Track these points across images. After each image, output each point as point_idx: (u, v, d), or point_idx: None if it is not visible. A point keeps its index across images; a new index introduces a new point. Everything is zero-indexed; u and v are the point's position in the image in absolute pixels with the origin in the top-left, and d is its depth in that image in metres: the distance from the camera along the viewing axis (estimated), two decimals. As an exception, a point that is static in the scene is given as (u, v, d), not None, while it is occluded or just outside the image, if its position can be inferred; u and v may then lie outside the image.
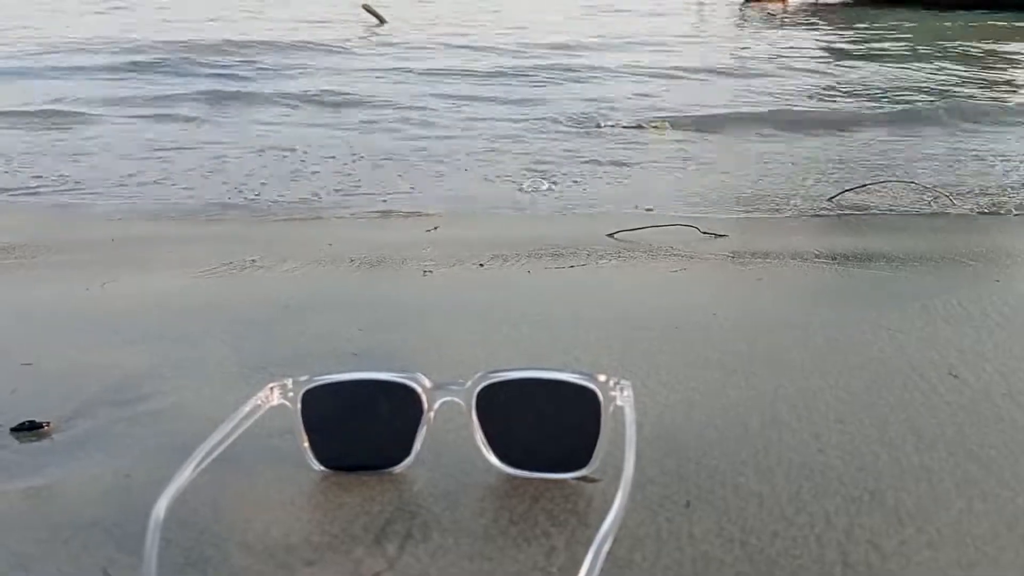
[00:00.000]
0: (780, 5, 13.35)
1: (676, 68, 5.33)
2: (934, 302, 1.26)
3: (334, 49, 6.19)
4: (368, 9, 9.63)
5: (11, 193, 2.51)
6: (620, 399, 0.68)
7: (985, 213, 2.19)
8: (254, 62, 5.47)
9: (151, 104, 4.11)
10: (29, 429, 0.83)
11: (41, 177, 2.70)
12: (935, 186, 2.42)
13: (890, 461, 0.75)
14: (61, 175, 2.73)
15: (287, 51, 6.04)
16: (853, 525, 0.65)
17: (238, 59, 5.54)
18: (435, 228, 1.98)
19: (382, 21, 9.32)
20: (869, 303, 1.30)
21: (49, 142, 3.26)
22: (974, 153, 3.15)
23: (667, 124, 3.51)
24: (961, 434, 0.81)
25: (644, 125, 3.57)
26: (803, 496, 0.69)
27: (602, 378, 0.69)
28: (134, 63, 5.33)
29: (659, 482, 0.71)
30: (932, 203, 2.21)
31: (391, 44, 6.67)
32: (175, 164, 2.91)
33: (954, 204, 2.17)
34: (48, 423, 0.85)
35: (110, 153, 3.09)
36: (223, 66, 5.27)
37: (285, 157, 2.99)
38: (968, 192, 2.45)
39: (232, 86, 4.58)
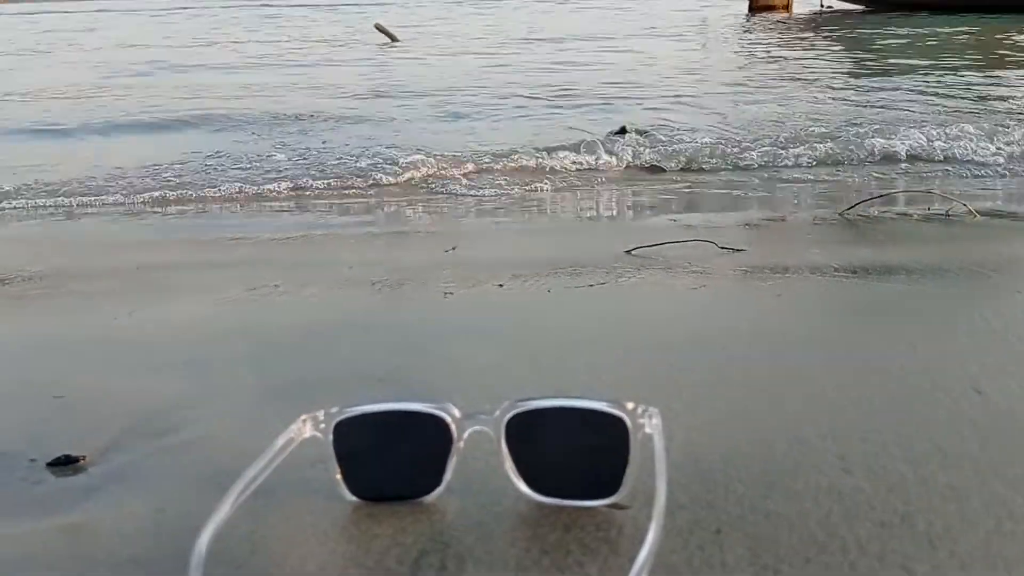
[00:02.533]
0: (785, 14, 13.35)
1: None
2: (955, 316, 1.26)
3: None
4: (380, 29, 9.90)
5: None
6: (648, 427, 0.69)
7: (1004, 222, 2.18)
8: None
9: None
10: (65, 463, 0.85)
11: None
12: (952, 195, 2.42)
13: (917, 481, 0.75)
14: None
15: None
16: (885, 550, 0.65)
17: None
18: (453, 248, 1.99)
19: (394, 40, 9.58)
20: (890, 318, 1.30)
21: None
22: (989, 160, 3.14)
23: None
24: (987, 452, 0.81)
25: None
26: (833, 520, 0.69)
27: (630, 406, 0.69)
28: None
29: (688, 508, 0.71)
30: (950, 212, 2.20)
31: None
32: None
33: (973, 214, 2.16)
34: (84, 456, 0.86)
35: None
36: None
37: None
38: (986, 201, 2.45)
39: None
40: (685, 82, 5.50)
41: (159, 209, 2.71)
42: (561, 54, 7.45)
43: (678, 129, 3.80)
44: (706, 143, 3.44)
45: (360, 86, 5.59)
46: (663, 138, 3.57)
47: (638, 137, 3.54)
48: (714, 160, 3.25)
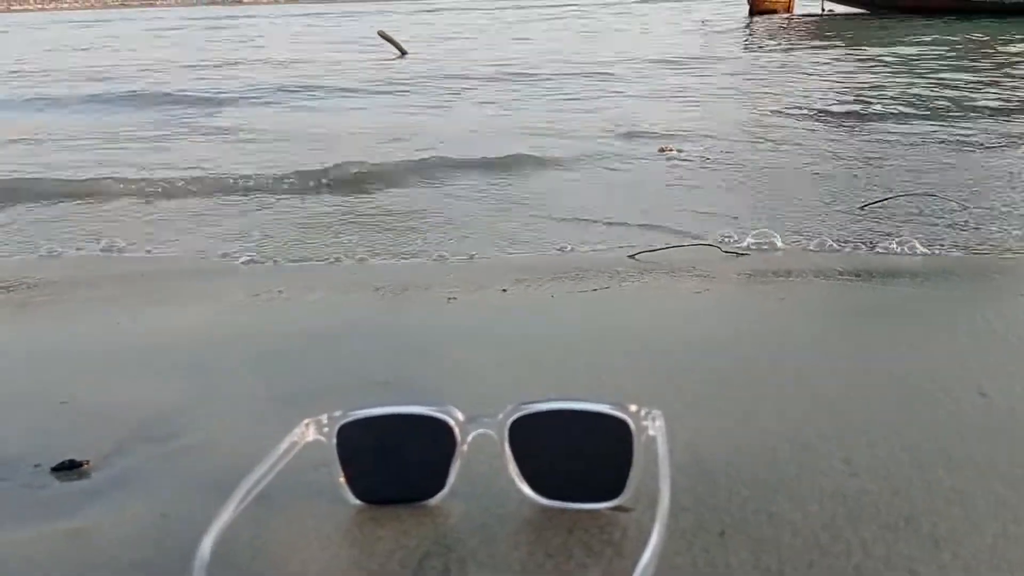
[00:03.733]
0: (786, 16, 13.35)
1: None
2: (959, 318, 1.26)
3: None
4: (385, 37, 9.42)
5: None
6: (652, 429, 0.69)
7: (1007, 224, 2.18)
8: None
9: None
10: (69, 468, 0.85)
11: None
12: (955, 198, 2.42)
13: (922, 485, 0.75)
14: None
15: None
16: (890, 552, 0.65)
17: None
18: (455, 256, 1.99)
19: (403, 52, 9.03)
20: (894, 321, 1.29)
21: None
22: (994, 164, 3.13)
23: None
24: (991, 455, 0.81)
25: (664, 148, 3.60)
26: (838, 523, 0.69)
27: (633, 408, 0.69)
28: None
29: (692, 511, 0.71)
30: (952, 215, 2.20)
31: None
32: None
33: (977, 218, 2.16)
34: (87, 461, 0.86)
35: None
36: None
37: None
38: (989, 203, 2.44)
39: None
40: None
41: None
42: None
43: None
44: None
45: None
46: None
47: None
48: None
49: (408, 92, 6.11)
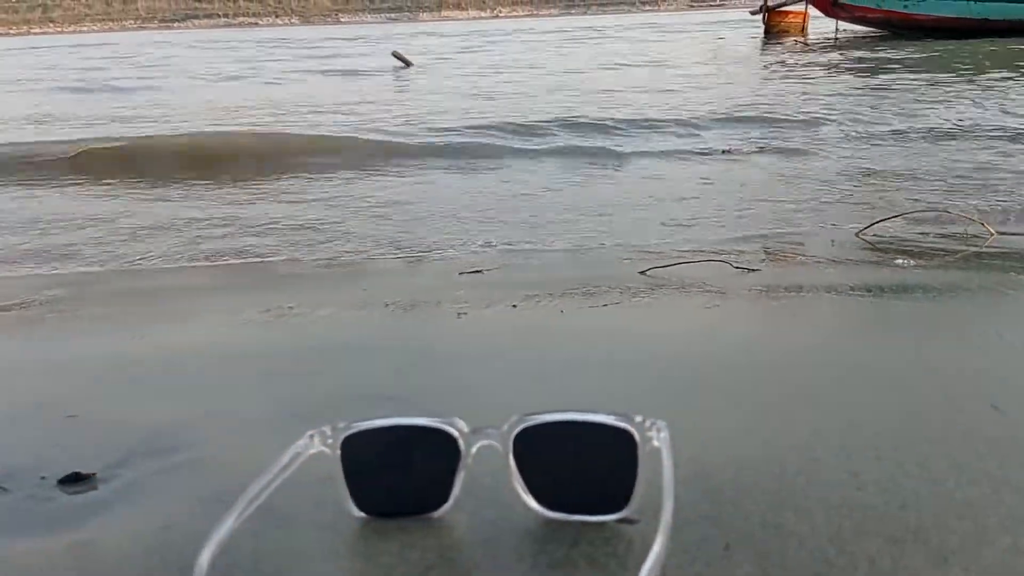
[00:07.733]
0: (800, 37, 13.35)
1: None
2: (972, 333, 1.25)
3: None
4: (397, 56, 11.92)
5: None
6: (656, 440, 0.69)
7: (1022, 240, 2.16)
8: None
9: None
10: (75, 481, 0.85)
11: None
12: (968, 214, 2.40)
13: (932, 498, 0.74)
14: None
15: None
16: (897, 566, 0.64)
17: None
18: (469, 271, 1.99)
19: (408, 64, 11.51)
20: (905, 335, 1.28)
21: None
22: (1006, 177, 3.12)
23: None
24: (1003, 469, 0.80)
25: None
26: (844, 536, 0.68)
27: (638, 419, 0.69)
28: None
29: (697, 524, 0.71)
30: (966, 230, 2.19)
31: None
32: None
33: (989, 232, 2.14)
34: (93, 474, 0.86)
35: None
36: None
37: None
38: (1002, 217, 2.43)
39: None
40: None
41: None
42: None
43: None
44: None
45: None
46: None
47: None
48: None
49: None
